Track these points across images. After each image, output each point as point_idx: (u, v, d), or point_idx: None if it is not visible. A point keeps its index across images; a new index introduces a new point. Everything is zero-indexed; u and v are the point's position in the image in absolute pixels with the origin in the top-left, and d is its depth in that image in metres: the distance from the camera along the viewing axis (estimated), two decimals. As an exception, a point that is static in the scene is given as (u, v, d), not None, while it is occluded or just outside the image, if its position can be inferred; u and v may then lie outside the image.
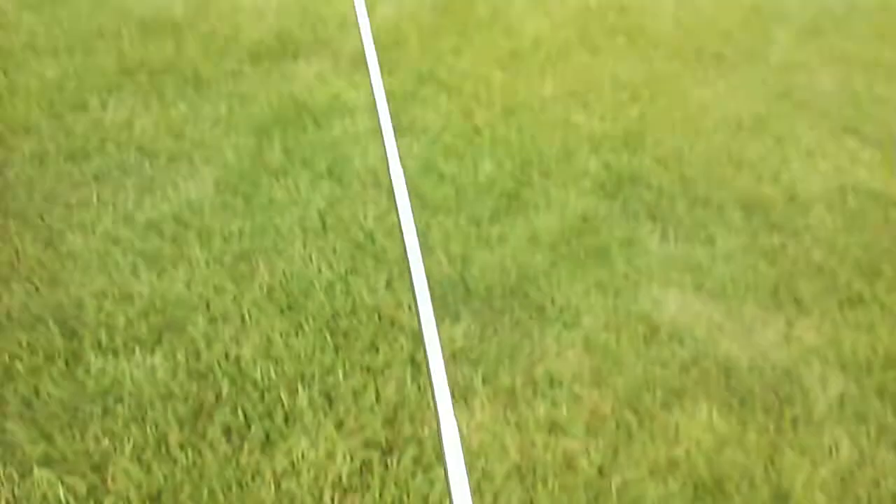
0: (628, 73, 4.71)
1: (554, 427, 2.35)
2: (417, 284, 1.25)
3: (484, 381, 2.51)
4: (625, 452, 2.29)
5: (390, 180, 3.40)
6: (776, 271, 3.11)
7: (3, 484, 2.10)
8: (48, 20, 4.69)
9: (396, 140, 3.73)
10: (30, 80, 4.02)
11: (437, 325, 2.70)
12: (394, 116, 3.94)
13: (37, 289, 2.76)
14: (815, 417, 2.46)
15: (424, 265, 2.97)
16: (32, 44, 4.40)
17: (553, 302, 2.87)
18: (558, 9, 5.58)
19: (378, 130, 3.77)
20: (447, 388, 1.04)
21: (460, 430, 2.31)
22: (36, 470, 2.13)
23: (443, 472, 2.18)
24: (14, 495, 2.08)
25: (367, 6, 5.18)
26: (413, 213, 3.24)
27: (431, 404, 2.40)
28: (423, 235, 3.13)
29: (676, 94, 4.52)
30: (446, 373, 2.49)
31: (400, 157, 3.56)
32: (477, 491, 2.15)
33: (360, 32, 4.83)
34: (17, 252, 2.90)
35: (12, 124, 3.64)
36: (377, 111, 3.96)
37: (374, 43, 4.68)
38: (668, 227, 3.33)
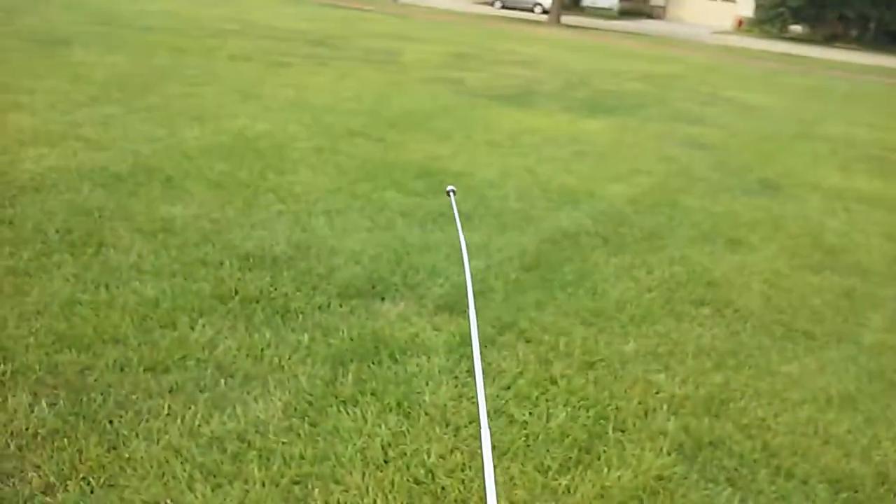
0: (713, 342, 4.66)
1: None
2: None
3: None
4: None
5: (458, 419, 3.36)
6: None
7: None
8: (158, 247, 5.05)
9: (472, 380, 3.73)
10: (128, 297, 4.26)
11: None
12: (470, 359, 3.97)
13: (92, 490, 2.74)
14: None
15: (485, 509, 2.84)
16: (139, 265, 4.71)
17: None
18: (645, 276, 5.68)
19: (451, 371, 3.80)
20: None
21: None
22: None
23: None
24: None
25: (458, 259, 5.43)
26: (477, 456, 3.16)
27: None
28: (484, 482, 3.01)
29: (762, 367, 4.41)
30: None
31: (471, 398, 3.55)
32: None
33: (447, 281, 5.02)
34: (80, 452, 2.92)
35: (103, 334, 3.81)
36: (454, 353, 4.01)
37: (461, 292, 4.84)
38: (748, 496, 3.12)
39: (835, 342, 4.91)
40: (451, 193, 4.19)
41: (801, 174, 9.88)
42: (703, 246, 6.49)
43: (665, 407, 3.76)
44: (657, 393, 3.91)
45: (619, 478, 3.13)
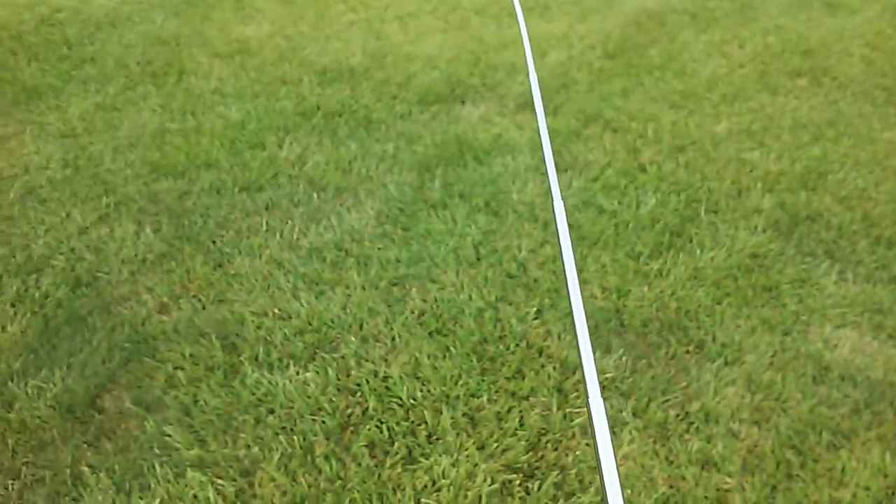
0: (810, 114, 4.45)
1: (707, 463, 2.18)
2: (577, 317, 1.19)
3: (634, 413, 2.38)
4: (784, 492, 2.09)
5: (546, 214, 3.37)
6: (974, 315, 2.79)
7: (159, 483, 2.19)
8: (237, 69, 5.06)
9: (558, 175, 3.70)
10: (215, 121, 4.33)
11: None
12: (556, 154, 3.93)
13: (203, 306, 2.92)
14: None
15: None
16: (221, 89, 4.76)
17: (714, 339, 2.70)
18: (737, 52, 5.39)
19: (538, 168, 3.77)
20: (606, 424, 0.99)
21: (606, 461, 2.19)
22: (189, 472, 2.22)
23: (585, 500, 2.08)
24: (169, 493, 2.17)
25: (538, 52, 5.26)
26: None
27: (576, 433, 2.31)
28: (578, 268, 3.06)
29: (863, 135, 4.21)
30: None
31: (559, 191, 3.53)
32: (619, 522, 2.02)
33: (527, 78, 4.89)
34: (188, 272, 3.09)
35: (195, 159, 3.92)
36: (539, 150, 3.96)
37: (542, 86, 4.72)
38: (846, 267, 3.07)
39: (944, 102, 4.62)
40: None
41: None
42: (798, 12, 6.07)
43: (759, 185, 3.67)
44: (751, 171, 3.80)
45: (711, 258, 3.12)
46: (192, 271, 3.10)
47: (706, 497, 2.09)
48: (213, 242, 3.28)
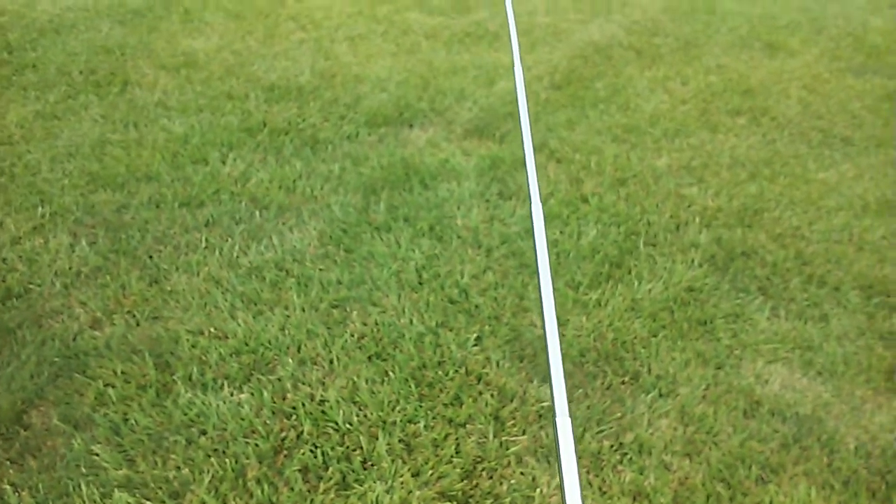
0: (748, 153, 4.58)
1: (639, 494, 2.21)
2: (553, 363, 1.18)
3: (569, 442, 2.40)
4: (715, 526, 2.13)
5: (490, 241, 3.40)
6: (893, 354, 2.89)
7: (84, 503, 2.13)
8: (182, 82, 5.00)
9: (503, 202, 3.74)
10: (158, 134, 4.27)
11: (526, 385, 2.63)
12: (501, 182, 3.97)
13: (138, 323, 2.86)
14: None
15: (516, 325, 2.92)
16: (165, 102, 4.69)
17: (649, 370, 2.74)
18: (679, 88, 5.52)
19: (482, 194, 3.80)
20: (577, 476, 0.98)
21: (539, 491, 2.21)
22: (116, 492, 2.16)
23: (517, 530, 2.08)
24: (92, 515, 2.11)
25: (487, 81, 5.31)
26: (510, 273, 3.22)
27: (511, 461, 2.31)
28: (518, 296, 3.09)
29: (798, 175, 4.34)
30: (529, 432, 2.41)
31: (502, 220, 3.57)
32: (551, 553, 2.03)
33: (475, 104, 4.93)
34: (123, 287, 3.03)
35: (136, 172, 3.85)
36: (484, 176, 4.00)
37: (490, 114, 4.76)
38: (779, 304, 3.16)
39: (874, 147, 4.79)
40: None
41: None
42: (740, 52, 6.26)
43: (697, 219, 3.75)
44: (689, 206, 3.89)
45: (649, 290, 3.18)
46: (128, 286, 3.03)
47: (637, 528, 2.11)
48: (150, 257, 3.22)
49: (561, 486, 1.04)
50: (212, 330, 2.82)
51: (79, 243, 3.27)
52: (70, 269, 3.12)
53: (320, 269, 3.19)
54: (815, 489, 2.27)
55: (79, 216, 3.48)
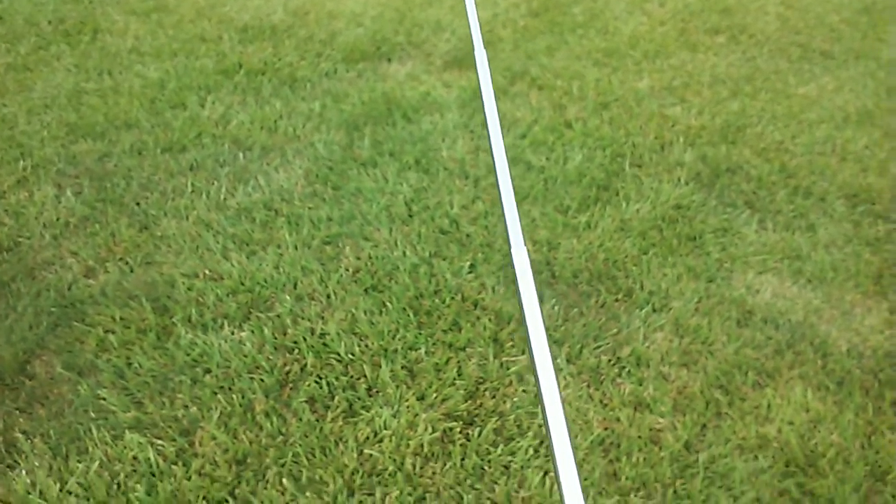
0: (728, 70, 4.57)
1: (639, 404, 2.26)
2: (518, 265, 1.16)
3: (568, 359, 2.44)
4: (713, 429, 2.19)
5: (477, 171, 3.40)
6: (880, 259, 2.94)
7: (97, 446, 2.16)
8: (154, 27, 4.90)
9: (486, 132, 3.72)
10: (133, 81, 4.20)
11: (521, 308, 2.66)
12: (483, 111, 3.94)
13: (131, 269, 2.85)
14: (924, 403, 2.30)
15: (509, 251, 2.94)
16: (138, 48, 4.61)
17: (642, 287, 2.78)
18: (657, 9, 5.48)
19: (466, 125, 3.79)
20: (551, 365, 0.97)
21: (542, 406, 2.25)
22: (127, 434, 2.19)
23: (524, 444, 2.13)
24: (107, 456, 2.13)
25: (461, 11, 5.24)
26: (498, 201, 3.23)
27: (513, 381, 2.36)
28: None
29: (779, 90, 4.35)
30: (528, 353, 2.44)
31: (487, 150, 3.55)
32: (558, 464, 2.08)
33: (453, 35, 4.88)
34: (113, 235, 3.01)
35: (114, 120, 3.80)
36: (467, 107, 3.98)
37: (467, 43, 4.71)
38: (766, 216, 3.20)
39: (853, 59, 4.80)
40: None
41: None
42: (715, -28, 6.19)
43: (681, 139, 3.77)
44: (673, 126, 3.90)
45: (637, 210, 3.20)
46: (118, 234, 3.02)
47: (640, 437, 2.16)
48: (138, 204, 3.20)
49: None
50: (206, 272, 2.82)
51: (64, 194, 3.24)
52: (58, 220, 3.10)
53: (309, 208, 3.19)
54: (810, 391, 2.33)
55: (61, 167, 3.44)
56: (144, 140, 3.64)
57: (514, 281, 1.04)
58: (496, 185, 1.22)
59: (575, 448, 2.12)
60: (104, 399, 2.30)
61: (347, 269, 2.84)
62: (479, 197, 3.26)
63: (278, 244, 2.97)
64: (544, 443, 2.15)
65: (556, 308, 2.66)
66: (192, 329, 2.56)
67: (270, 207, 3.19)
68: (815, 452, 2.14)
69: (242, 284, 2.76)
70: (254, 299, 2.69)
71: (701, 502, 1.99)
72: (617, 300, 2.72)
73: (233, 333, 2.54)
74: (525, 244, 0.98)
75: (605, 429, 2.20)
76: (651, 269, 2.87)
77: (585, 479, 2.04)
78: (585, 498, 1.98)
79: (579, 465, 2.07)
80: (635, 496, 2.01)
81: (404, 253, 2.92)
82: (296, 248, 2.95)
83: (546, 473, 2.06)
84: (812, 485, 2.05)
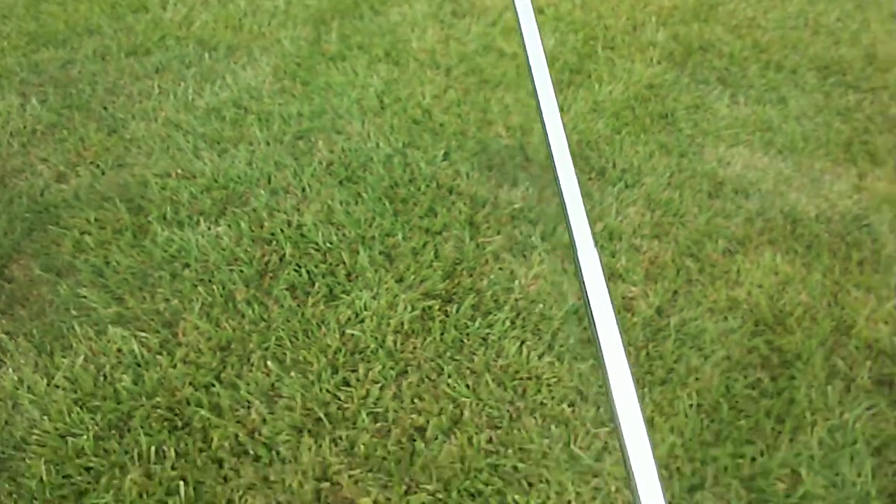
0: (699, -50, 4.49)
1: (612, 275, 2.31)
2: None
3: (542, 237, 2.47)
4: (684, 295, 2.24)
5: (448, 60, 3.36)
6: (850, 127, 2.97)
7: (80, 341, 2.18)
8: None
9: (457, 21, 3.67)
10: (92, -15, 4.09)
11: (496, 191, 2.68)
12: (453, 1, 3.87)
13: (103, 172, 2.83)
14: (884, 259, 2.37)
15: (482, 138, 2.94)
16: (94, -49, 4.47)
17: (614, 165, 2.80)
18: None
19: (436, 15, 3.72)
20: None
21: (517, 282, 2.29)
22: (110, 328, 2.21)
23: (501, 317, 2.18)
24: (92, 350, 2.16)
25: None
26: (471, 90, 3.21)
27: (489, 259, 2.39)
28: (482, 111, 3.09)
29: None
30: (504, 233, 2.47)
31: (458, 39, 3.51)
32: (536, 331, 2.13)
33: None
34: (82, 140, 2.98)
35: (76, 27, 3.71)
36: (435, -4, 3.90)
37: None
38: (738, 91, 3.19)
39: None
40: None
41: None
42: None
43: (654, 19, 3.72)
44: (645, 7, 3.85)
45: (610, 91, 3.19)
46: (86, 139, 2.98)
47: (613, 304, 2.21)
48: (105, 108, 3.16)
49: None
50: (179, 171, 2.80)
51: (29, 102, 3.19)
52: (25, 128, 3.05)
53: (279, 104, 3.15)
54: (779, 255, 2.38)
55: (24, 76, 3.37)
56: (107, 45, 3.56)
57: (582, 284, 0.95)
58: (553, 169, 1.06)
59: (550, 318, 2.17)
60: (85, 297, 2.32)
61: (321, 163, 2.83)
62: (451, 86, 3.23)
63: (250, 141, 2.95)
64: (520, 315, 2.20)
65: (530, 191, 2.68)
66: (168, 226, 2.56)
67: (240, 105, 3.15)
68: (783, 312, 2.19)
69: (216, 181, 2.75)
70: (228, 195, 2.69)
71: (672, 362, 2.05)
72: (590, 179, 2.74)
73: (209, 229, 2.54)
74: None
75: (580, 299, 2.24)
76: (624, 148, 2.87)
77: (561, 346, 2.09)
78: (563, 362, 2.05)
79: (554, 335, 2.13)
80: (611, 359, 2.07)
81: (377, 144, 2.91)
82: (268, 144, 2.93)
83: (522, 343, 2.11)
84: (780, 341, 2.11)
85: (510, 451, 1.85)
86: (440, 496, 1.76)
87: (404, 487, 1.78)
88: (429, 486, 1.78)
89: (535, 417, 1.93)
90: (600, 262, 0.95)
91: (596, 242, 0.96)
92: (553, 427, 1.90)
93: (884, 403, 1.98)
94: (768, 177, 2.72)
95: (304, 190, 2.70)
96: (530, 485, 1.79)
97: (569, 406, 1.95)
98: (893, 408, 1.97)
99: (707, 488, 1.78)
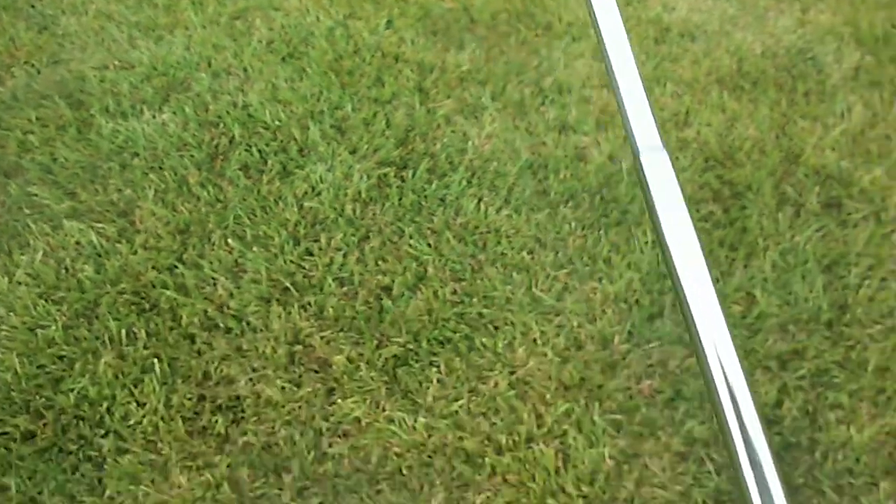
0: None
1: (564, 127, 2.33)
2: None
3: (493, 97, 2.47)
4: (637, 136, 2.27)
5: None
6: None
7: (37, 238, 2.16)
8: None
9: None
10: None
11: (443, 56, 2.65)
12: None
13: (38, 71, 2.75)
14: (829, 88, 2.42)
15: (424, 3, 2.88)
16: None
17: (560, 19, 2.77)
18: None
19: None
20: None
21: (471, 143, 2.30)
22: (66, 223, 2.19)
23: (456, 178, 2.19)
24: (50, 245, 2.15)
25: None
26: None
27: (441, 124, 2.39)
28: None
29: None
30: (454, 96, 2.46)
31: None
32: (492, 187, 2.16)
33: None
34: (12, 40, 2.87)
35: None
36: None
37: None
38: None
39: None
40: None
41: None
42: None
43: None
44: None
45: (550, -53, 3.13)
46: (17, 38, 2.87)
47: (566, 155, 2.24)
48: (33, 7, 3.03)
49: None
50: (116, 63, 2.73)
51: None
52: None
53: (213, -13, 3.05)
54: (726, 93, 2.41)
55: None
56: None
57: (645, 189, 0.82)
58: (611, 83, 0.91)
59: (505, 175, 2.20)
60: (36, 195, 2.29)
61: (261, 41, 2.77)
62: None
63: (185, 26, 2.87)
64: (476, 174, 2.22)
65: (476, 52, 2.65)
66: (112, 118, 2.51)
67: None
68: (732, 147, 2.24)
69: (155, 69, 2.68)
70: (169, 82, 2.63)
71: (626, 203, 2.10)
72: (537, 35, 2.72)
73: (154, 117, 2.50)
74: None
75: (533, 153, 2.26)
76: (569, 2, 2.84)
77: (518, 200, 2.13)
78: (521, 214, 2.07)
79: (510, 189, 2.16)
80: (564, 207, 2.11)
81: (317, 18, 2.84)
82: (204, 27, 2.85)
83: (479, 200, 2.13)
84: (730, 175, 2.17)
85: (475, 299, 1.90)
86: (411, 346, 1.82)
87: (375, 342, 1.83)
88: (399, 339, 1.83)
89: (496, 267, 1.98)
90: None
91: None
92: (514, 274, 1.95)
93: (833, 224, 2.06)
94: (713, 18, 2.72)
95: (245, 70, 2.65)
96: (496, 328, 1.85)
97: (528, 254, 2.00)
98: (842, 227, 2.05)
99: (666, 316, 1.85)
